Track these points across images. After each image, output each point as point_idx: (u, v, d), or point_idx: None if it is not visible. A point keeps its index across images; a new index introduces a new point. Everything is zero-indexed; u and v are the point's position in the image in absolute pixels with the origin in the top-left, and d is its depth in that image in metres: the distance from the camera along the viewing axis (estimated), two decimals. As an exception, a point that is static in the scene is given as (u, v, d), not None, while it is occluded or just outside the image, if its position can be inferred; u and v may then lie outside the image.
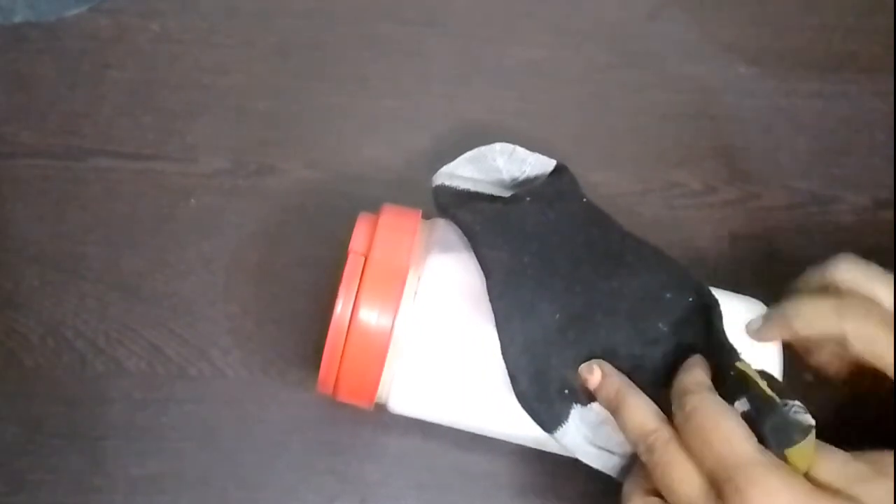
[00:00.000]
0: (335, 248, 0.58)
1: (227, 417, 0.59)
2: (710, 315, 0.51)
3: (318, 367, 0.51)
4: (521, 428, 0.51)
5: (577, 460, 0.50)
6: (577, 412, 0.50)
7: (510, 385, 0.50)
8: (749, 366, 0.48)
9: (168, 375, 0.59)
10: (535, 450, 0.54)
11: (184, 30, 0.65)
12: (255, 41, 0.66)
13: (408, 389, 0.52)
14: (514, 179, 0.56)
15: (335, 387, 0.52)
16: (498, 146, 0.56)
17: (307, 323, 0.60)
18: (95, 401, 0.59)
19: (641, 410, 0.48)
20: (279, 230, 0.62)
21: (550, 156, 0.56)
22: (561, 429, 0.50)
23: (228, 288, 0.61)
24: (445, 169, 0.56)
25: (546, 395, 0.50)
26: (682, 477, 0.45)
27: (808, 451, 0.45)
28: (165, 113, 0.64)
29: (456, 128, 0.64)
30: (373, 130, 0.64)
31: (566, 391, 0.50)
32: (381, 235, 0.52)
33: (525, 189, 0.55)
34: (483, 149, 0.56)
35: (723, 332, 0.50)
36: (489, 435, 0.54)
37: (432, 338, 0.51)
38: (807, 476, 0.45)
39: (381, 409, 0.54)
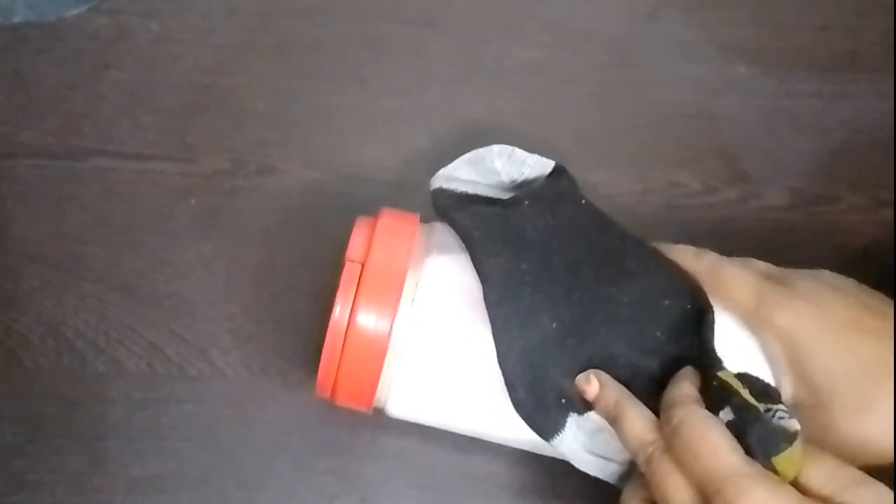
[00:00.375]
0: (335, 248, 0.58)
1: (227, 417, 0.59)
2: (700, 322, 0.50)
3: (317, 367, 0.51)
4: (518, 432, 0.51)
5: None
6: (573, 420, 0.50)
7: (507, 393, 0.50)
8: (730, 374, 0.48)
9: (168, 375, 0.59)
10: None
11: (184, 30, 0.65)
12: (255, 41, 0.66)
13: (406, 393, 0.52)
14: (513, 181, 0.56)
15: (333, 391, 0.52)
16: (496, 148, 0.55)
17: (307, 323, 0.60)
18: (95, 401, 0.59)
19: (640, 421, 0.48)
20: (279, 230, 0.62)
21: (550, 156, 0.56)
22: (558, 437, 0.50)
23: (228, 288, 0.61)
24: (444, 171, 0.55)
25: (543, 403, 0.50)
26: (676, 488, 0.45)
27: (796, 457, 0.45)
28: (165, 113, 0.64)
29: (456, 128, 0.64)
30: (373, 130, 0.64)
31: (563, 400, 0.50)
32: (379, 240, 0.52)
33: (524, 191, 0.54)
34: (481, 151, 0.56)
35: (710, 340, 0.50)
36: (487, 439, 0.54)
37: (430, 342, 0.51)
38: (796, 483, 0.45)
39: (380, 412, 0.54)
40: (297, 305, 0.61)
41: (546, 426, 0.50)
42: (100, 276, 0.61)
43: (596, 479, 0.51)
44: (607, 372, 0.50)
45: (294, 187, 0.63)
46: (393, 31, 0.67)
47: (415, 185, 0.59)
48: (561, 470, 0.52)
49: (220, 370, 0.59)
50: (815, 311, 0.49)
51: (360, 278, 0.51)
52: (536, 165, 0.55)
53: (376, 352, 0.50)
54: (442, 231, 0.54)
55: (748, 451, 0.45)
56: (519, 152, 0.55)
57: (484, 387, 0.51)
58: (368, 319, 0.50)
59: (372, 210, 0.54)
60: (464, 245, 0.51)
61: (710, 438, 0.45)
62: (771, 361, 0.50)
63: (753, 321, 0.50)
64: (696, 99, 0.66)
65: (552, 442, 0.50)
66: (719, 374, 0.47)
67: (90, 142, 0.63)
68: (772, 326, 0.50)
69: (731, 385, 0.47)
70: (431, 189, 0.55)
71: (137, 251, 0.61)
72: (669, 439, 0.46)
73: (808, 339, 0.49)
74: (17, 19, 0.64)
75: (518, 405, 0.50)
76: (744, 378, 0.47)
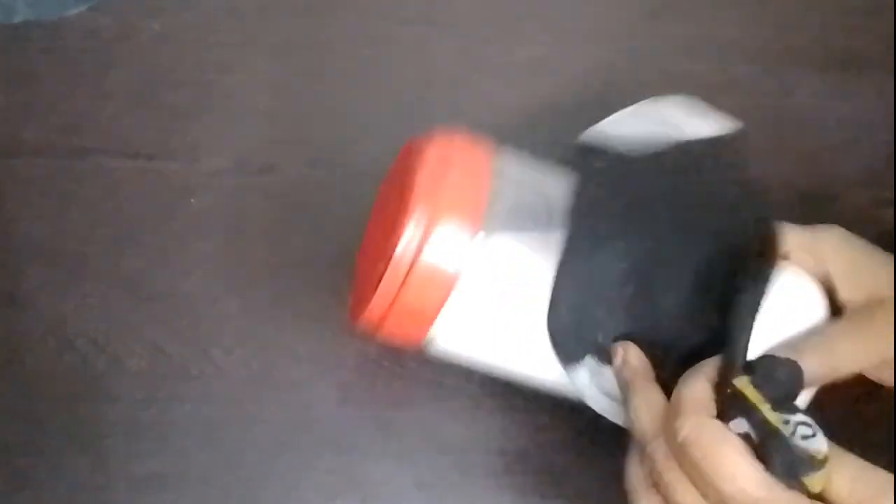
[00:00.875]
0: (337, 247, 0.58)
1: (228, 416, 0.59)
2: (745, 309, 0.47)
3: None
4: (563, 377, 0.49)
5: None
6: (593, 363, 0.49)
7: (548, 311, 0.48)
8: (748, 383, 0.44)
9: (169, 375, 0.59)
10: (536, 449, 0.54)
11: (185, 28, 0.65)
12: (257, 40, 0.66)
13: (460, 327, 0.49)
14: (668, 138, 0.54)
15: (384, 320, 0.48)
16: (655, 105, 0.54)
17: (308, 322, 0.60)
18: (97, 400, 0.59)
19: (645, 413, 0.46)
20: (280, 229, 0.62)
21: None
22: (575, 370, 0.49)
23: (230, 287, 0.61)
24: (600, 125, 0.54)
25: (575, 333, 0.49)
26: (685, 493, 0.43)
27: (822, 475, 0.41)
28: (167, 112, 0.64)
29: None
30: (374, 129, 0.64)
31: (593, 341, 0.49)
32: (457, 156, 0.48)
33: (661, 149, 0.52)
34: (641, 105, 0.54)
35: (741, 331, 0.46)
36: (531, 382, 0.53)
37: (493, 274, 0.48)
38: (821, 496, 0.41)
39: (421, 347, 0.52)
40: (299, 304, 0.61)
41: (567, 355, 0.49)
42: (101, 275, 0.61)
43: (599, 477, 0.51)
44: (651, 331, 0.49)
45: (295, 186, 0.63)
46: (393, 31, 0.67)
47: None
48: (563, 470, 0.53)
49: (222, 369, 0.59)
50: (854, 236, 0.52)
51: (436, 199, 0.47)
52: (699, 128, 0.54)
53: (446, 280, 0.46)
54: (509, 161, 0.51)
55: (767, 465, 0.41)
56: (679, 115, 0.54)
57: (540, 326, 0.49)
58: (443, 244, 0.46)
59: (371, 209, 0.54)
60: (533, 173, 0.50)
61: (725, 462, 0.41)
62: (824, 273, 0.51)
63: (806, 247, 0.52)
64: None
65: (568, 372, 0.49)
66: (735, 382, 0.44)
67: (92, 141, 0.63)
68: (825, 244, 0.52)
69: (747, 397, 0.43)
70: (577, 139, 0.53)
71: (139, 250, 0.61)
72: (678, 454, 0.43)
73: (858, 248, 0.51)
74: (18, 18, 0.64)
75: (552, 322, 0.48)
76: (763, 377, 0.44)
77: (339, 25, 0.66)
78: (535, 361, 0.51)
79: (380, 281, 0.47)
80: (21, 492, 0.57)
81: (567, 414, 0.57)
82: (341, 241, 0.57)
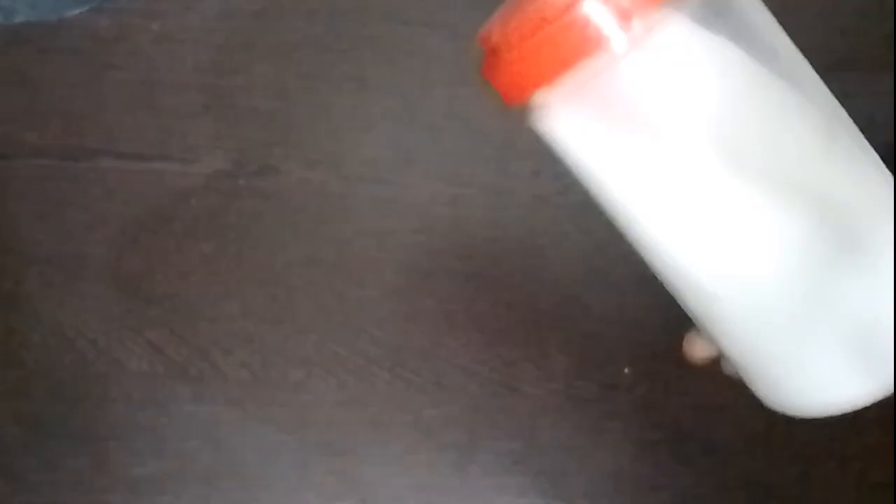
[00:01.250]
0: (335, 249, 0.58)
1: (227, 418, 0.59)
2: None
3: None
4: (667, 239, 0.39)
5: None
6: None
7: None
8: None
9: (169, 376, 0.59)
10: (535, 450, 0.54)
11: (184, 30, 0.65)
12: (256, 42, 0.66)
13: (579, 111, 0.39)
14: None
15: (507, 52, 0.38)
16: None
17: (307, 323, 0.60)
18: (96, 401, 0.59)
19: None
20: (279, 230, 0.62)
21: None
22: None
23: (229, 288, 0.61)
24: None
25: None
26: None
27: None
28: (166, 113, 0.64)
29: (456, 128, 0.64)
30: (373, 131, 0.64)
31: None
32: None
33: None
34: None
35: None
36: (616, 216, 0.41)
37: (654, 73, 0.37)
38: None
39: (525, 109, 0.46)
40: (297, 305, 0.61)
41: None
42: (101, 276, 0.61)
43: (599, 478, 0.51)
44: None
45: (294, 187, 0.63)
46: (393, 31, 0.67)
47: (415, 185, 0.59)
48: (562, 469, 0.53)
49: (221, 370, 0.60)
50: None
51: None
52: None
53: (594, 42, 0.37)
54: None
55: None
56: None
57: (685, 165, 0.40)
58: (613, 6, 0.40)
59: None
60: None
61: None
62: None
63: None
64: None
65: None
66: None
67: (91, 142, 0.63)
68: None
69: None
70: None
71: (138, 251, 0.61)
72: None
73: None
74: (18, 19, 0.64)
75: None
76: None
77: (339, 26, 0.66)
78: (641, 197, 0.39)
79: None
80: (20, 493, 0.57)
81: (567, 414, 0.57)
82: (340, 242, 0.57)
